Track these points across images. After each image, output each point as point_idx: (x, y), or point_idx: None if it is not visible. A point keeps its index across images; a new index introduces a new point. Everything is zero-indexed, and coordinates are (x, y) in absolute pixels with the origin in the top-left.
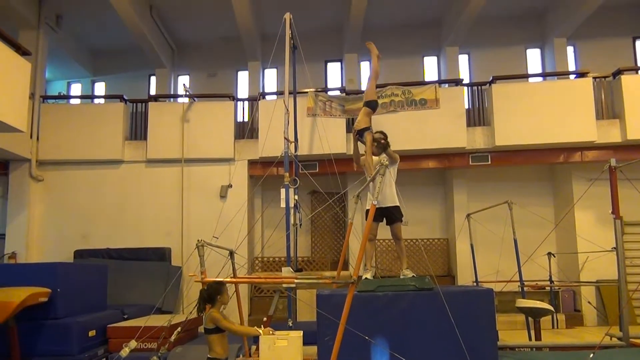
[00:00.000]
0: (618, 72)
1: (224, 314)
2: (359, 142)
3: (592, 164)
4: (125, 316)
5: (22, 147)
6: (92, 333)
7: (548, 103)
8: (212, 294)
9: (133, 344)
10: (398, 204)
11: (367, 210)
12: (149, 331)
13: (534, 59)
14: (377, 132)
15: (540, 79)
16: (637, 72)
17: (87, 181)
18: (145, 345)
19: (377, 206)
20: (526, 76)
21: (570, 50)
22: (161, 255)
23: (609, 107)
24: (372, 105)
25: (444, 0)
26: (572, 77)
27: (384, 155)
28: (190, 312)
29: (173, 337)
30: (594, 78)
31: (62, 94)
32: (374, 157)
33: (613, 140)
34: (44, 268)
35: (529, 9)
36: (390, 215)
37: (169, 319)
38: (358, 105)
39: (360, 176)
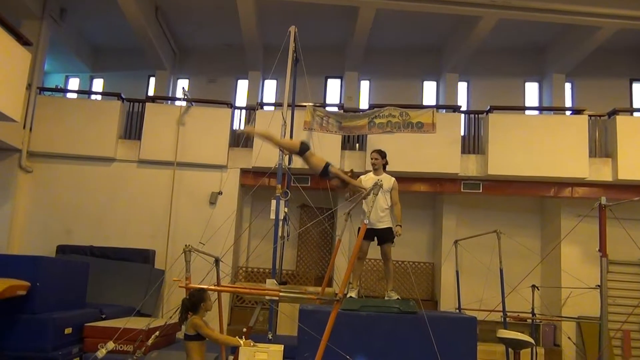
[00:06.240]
0: (613, 112)
1: (205, 321)
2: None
3: (582, 200)
4: (104, 316)
5: (13, 136)
6: (68, 331)
7: (543, 137)
8: (195, 302)
9: (110, 345)
10: (391, 225)
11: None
12: (127, 333)
13: (532, 92)
14: (374, 152)
15: (536, 112)
16: (632, 114)
17: (76, 176)
18: (121, 347)
19: (369, 227)
20: (523, 108)
21: (568, 86)
22: (145, 257)
23: (602, 145)
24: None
25: (446, 28)
26: (568, 113)
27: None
28: (170, 317)
29: (150, 341)
30: (590, 116)
31: (59, 87)
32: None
33: (604, 179)
34: (25, 260)
35: (530, 43)
36: (382, 235)
37: (147, 322)
38: (355, 122)
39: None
